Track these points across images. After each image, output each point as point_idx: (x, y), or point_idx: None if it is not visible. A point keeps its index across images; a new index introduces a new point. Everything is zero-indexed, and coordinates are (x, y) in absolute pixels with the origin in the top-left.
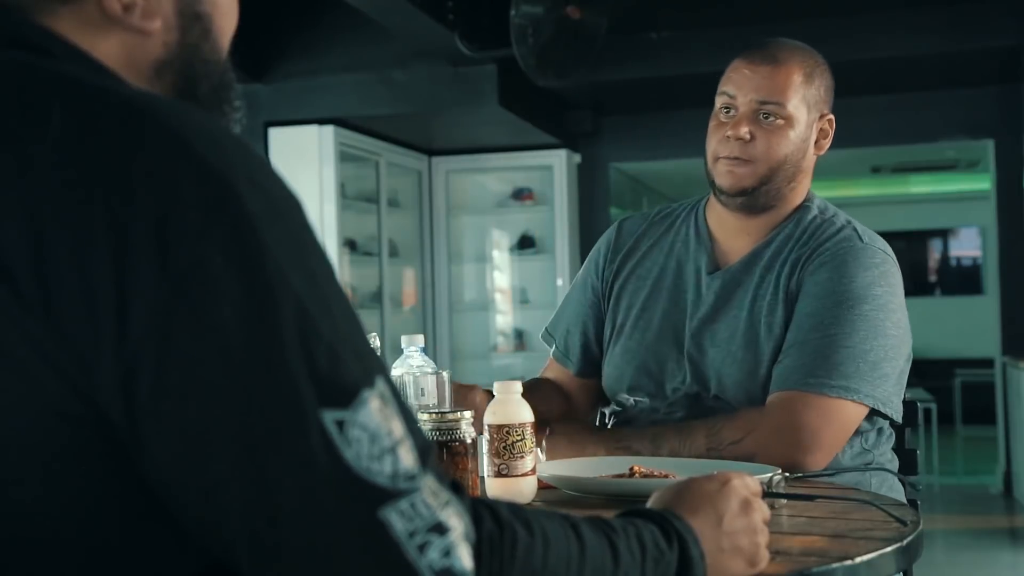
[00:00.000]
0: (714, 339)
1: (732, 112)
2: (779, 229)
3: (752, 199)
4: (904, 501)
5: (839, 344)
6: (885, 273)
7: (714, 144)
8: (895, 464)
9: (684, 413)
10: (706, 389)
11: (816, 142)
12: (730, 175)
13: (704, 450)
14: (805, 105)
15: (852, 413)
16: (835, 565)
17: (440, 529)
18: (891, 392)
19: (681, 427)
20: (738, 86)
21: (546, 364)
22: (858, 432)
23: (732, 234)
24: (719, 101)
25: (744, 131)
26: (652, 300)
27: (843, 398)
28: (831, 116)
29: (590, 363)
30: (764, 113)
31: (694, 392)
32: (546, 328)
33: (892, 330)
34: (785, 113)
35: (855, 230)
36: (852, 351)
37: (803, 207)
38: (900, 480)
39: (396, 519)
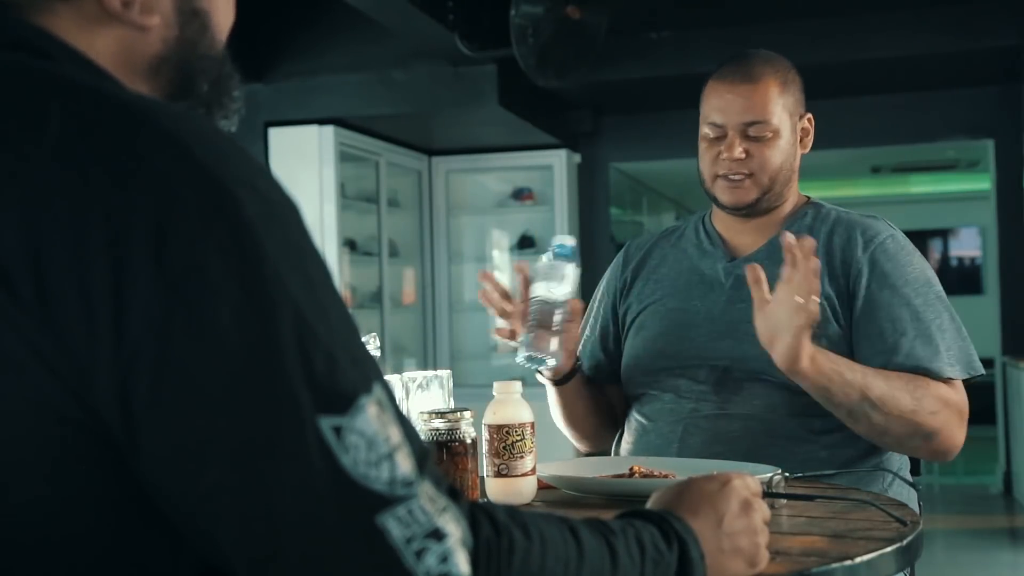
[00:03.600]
0: (748, 316)
1: (721, 135)
2: (790, 222)
3: (755, 208)
4: (915, 505)
5: (941, 329)
6: (919, 253)
7: (708, 164)
8: (906, 468)
9: (712, 392)
10: (740, 367)
11: (801, 141)
12: (732, 192)
13: (908, 410)
14: (787, 113)
15: (964, 388)
16: (835, 565)
17: (437, 535)
18: (975, 353)
19: (885, 375)
20: (723, 112)
21: None
22: (873, 445)
23: (741, 233)
24: (705, 128)
25: (739, 151)
26: (670, 296)
27: (968, 376)
28: (809, 115)
29: (612, 372)
30: (752, 133)
31: (720, 370)
32: None
33: (948, 301)
34: (772, 127)
35: (879, 219)
36: (951, 333)
37: (811, 202)
38: (911, 485)
39: (394, 525)
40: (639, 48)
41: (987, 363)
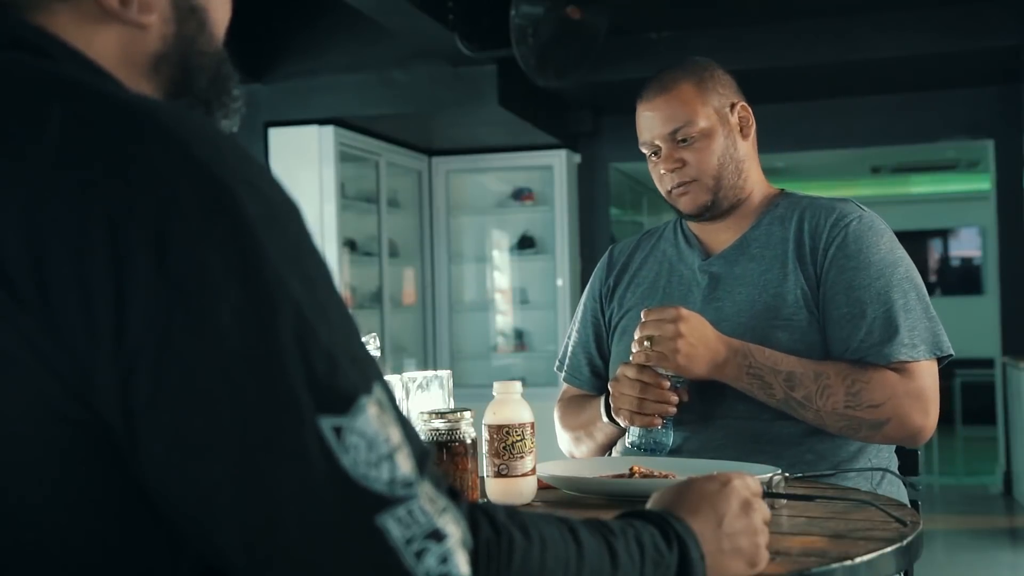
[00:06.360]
0: (721, 314)
1: (656, 153)
2: (762, 215)
3: (715, 208)
4: (907, 502)
5: (905, 309)
6: (891, 233)
7: (658, 183)
8: (895, 465)
9: (698, 400)
10: None
11: (741, 131)
12: (686, 200)
13: (842, 408)
14: (711, 109)
15: (936, 368)
16: (835, 565)
17: (437, 536)
18: (944, 334)
19: (817, 373)
20: (648, 130)
21: (560, 392)
22: (863, 444)
23: (715, 232)
24: (643, 151)
25: (672, 163)
26: (649, 298)
27: (933, 357)
28: (743, 103)
29: (598, 377)
30: (679, 138)
31: None
32: (557, 360)
33: (919, 281)
34: (696, 128)
35: (848, 202)
36: (916, 313)
37: (783, 193)
38: (902, 480)
39: (393, 526)
40: (639, 48)
41: (987, 363)
